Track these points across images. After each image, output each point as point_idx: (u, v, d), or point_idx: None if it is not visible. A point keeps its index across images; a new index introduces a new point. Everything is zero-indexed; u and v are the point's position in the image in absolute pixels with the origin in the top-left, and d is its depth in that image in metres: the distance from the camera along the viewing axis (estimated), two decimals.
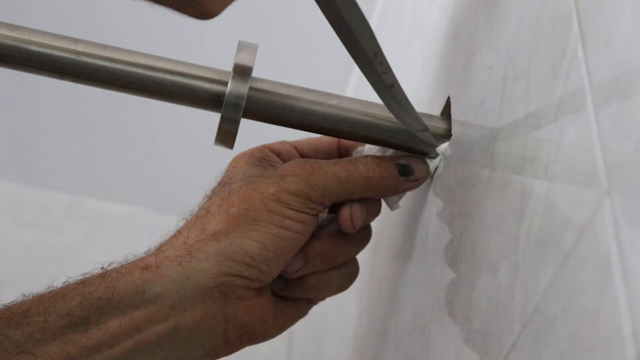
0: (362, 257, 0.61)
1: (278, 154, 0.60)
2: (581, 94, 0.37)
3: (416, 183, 0.57)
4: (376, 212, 0.59)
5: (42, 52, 0.53)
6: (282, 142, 0.60)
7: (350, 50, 0.52)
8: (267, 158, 0.59)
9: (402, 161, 0.57)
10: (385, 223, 0.68)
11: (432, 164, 0.58)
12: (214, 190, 0.57)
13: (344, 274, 0.59)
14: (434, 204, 0.58)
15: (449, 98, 0.59)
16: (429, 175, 0.58)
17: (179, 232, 0.55)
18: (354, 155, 0.60)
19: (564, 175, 0.38)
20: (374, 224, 0.61)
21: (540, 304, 0.36)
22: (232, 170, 0.58)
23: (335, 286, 0.59)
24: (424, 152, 0.58)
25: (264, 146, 0.60)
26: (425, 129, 0.56)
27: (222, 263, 0.53)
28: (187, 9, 0.45)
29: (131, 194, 1.38)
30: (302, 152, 0.61)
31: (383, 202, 0.59)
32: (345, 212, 0.57)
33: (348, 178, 0.56)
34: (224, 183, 0.57)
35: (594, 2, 0.38)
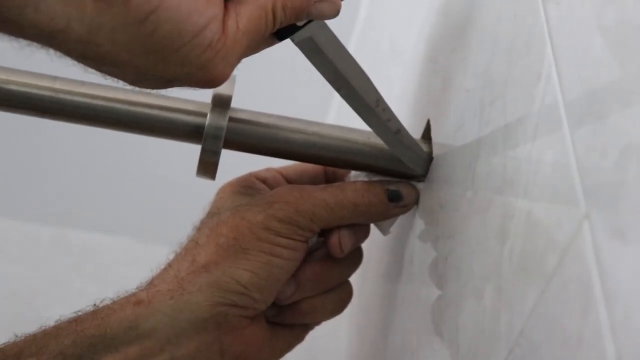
0: (351, 279, 0.61)
1: (264, 181, 0.60)
2: (557, 117, 0.37)
3: (405, 208, 0.57)
4: (365, 235, 0.59)
5: (20, 91, 0.53)
6: (267, 169, 0.61)
7: (351, 103, 0.53)
8: (253, 186, 0.59)
9: (392, 187, 0.57)
10: (372, 245, 0.68)
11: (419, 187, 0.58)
12: (202, 222, 0.57)
13: (337, 298, 0.59)
14: (418, 226, 0.58)
15: (428, 121, 0.59)
16: (418, 199, 0.58)
17: (170, 265, 0.55)
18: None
19: (544, 197, 0.38)
20: (362, 246, 0.61)
21: (525, 328, 0.36)
22: (219, 200, 0.58)
23: (329, 310, 0.59)
24: (407, 175, 0.58)
25: (250, 174, 0.60)
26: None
27: (215, 294, 0.53)
28: (195, 80, 0.44)
29: (118, 224, 1.38)
30: (288, 178, 0.61)
31: (372, 225, 0.59)
32: (334, 238, 0.57)
33: (337, 204, 0.56)
34: (212, 213, 0.57)
35: (565, 26, 0.39)
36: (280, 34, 0.49)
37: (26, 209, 1.39)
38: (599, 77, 0.34)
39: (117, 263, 1.36)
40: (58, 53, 0.42)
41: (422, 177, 0.58)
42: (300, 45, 0.50)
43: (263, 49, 0.50)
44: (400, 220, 0.61)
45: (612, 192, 0.32)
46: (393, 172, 0.58)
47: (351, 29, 0.97)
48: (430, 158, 0.57)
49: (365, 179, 0.58)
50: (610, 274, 0.31)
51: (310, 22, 0.49)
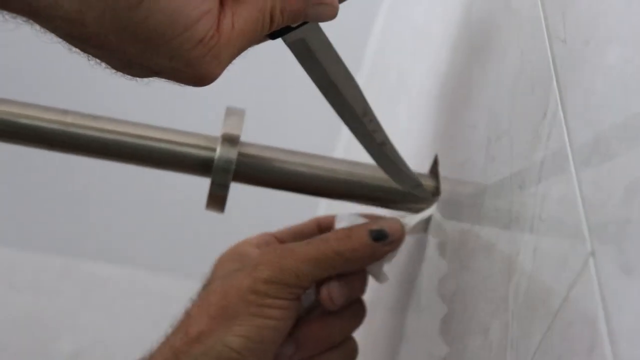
0: None
1: (258, 247, 0.59)
2: (563, 155, 0.37)
3: (393, 245, 0.56)
4: (361, 286, 0.58)
5: (31, 124, 0.54)
6: (263, 234, 0.60)
7: (338, 110, 0.51)
8: (246, 253, 0.58)
9: (375, 227, 0.56)
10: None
11: (422, 216, 0.58)
12: (197, 294, 0.57)
13: (341, 354, 0.58)
14: (427, 260, 0.58)
15: (436, 156, 0.59)
16: (404, 233, 0.57)
17: (167, 338, 0.56)
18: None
19: (550, 235, 0.38)
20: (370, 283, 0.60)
21: None
22: (214, 272, 0.58)
23: None
24: (412, 208, 0.58)
25: (244, 241, 0.59)
26: (419, 184, 0.56)
27: None
28: (182, 76, 0.42)
29: (125, 255, 1.38)
30: (283, 241, 0.60)
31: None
32: (323, 291, 0.56)
33: (320, 256, 0.55)
34: (206, 285, 0.57)
35: (571, 64, 0.39)
36: (272, 34, 0.48)
37: (36, 240, 1.39)
38: (605, 115, 0.35)
39: (124, 293, 1.36)
40: (43, 29, 0.39)
41: (426, 204, 0.57)
42: (291, 46, 0.48)
43: (252, 46, 0.48)
44: (409, 254, 0.61)
45: (617, 229, 0.32)
46: (398, 205, 0.58)
47: (360, 62, 0.98)
48: (438, 192, 0.57)
49: (348, 222, 0.57)
50: (616, 312, 0.31)
51: (304, 24, 0.48)
